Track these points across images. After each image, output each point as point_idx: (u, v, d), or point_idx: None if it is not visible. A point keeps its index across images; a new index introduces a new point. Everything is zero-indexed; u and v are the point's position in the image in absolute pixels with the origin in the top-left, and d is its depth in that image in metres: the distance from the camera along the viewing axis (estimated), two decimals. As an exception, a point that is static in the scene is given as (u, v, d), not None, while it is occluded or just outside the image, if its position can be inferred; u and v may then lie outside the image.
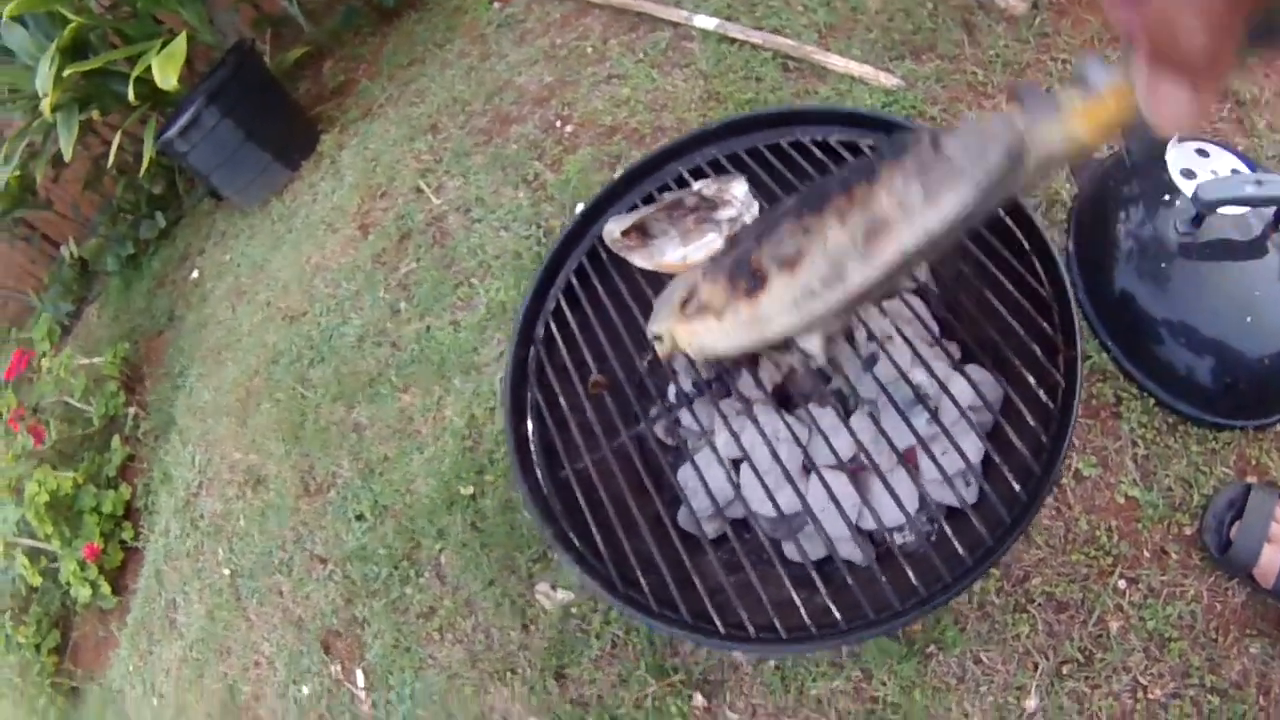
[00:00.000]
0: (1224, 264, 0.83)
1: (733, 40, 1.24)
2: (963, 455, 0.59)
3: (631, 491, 0.64)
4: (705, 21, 1.26)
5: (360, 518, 1.13)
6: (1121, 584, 0.79)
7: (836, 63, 1.13)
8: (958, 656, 0.79)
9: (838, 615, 0.56)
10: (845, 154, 0.70)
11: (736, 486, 0.63)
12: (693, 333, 0.50)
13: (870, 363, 0.64)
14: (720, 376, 0.65)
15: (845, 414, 0.65)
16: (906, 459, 0.61)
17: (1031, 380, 0.58)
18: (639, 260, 0.69)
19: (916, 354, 0.61)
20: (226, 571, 1.27)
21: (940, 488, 0.64)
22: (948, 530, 0.58)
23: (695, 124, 1.17)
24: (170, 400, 1.57)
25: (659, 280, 0.66)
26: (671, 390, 0.70)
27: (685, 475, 0.69)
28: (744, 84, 1.19)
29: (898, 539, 0.67)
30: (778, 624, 0.57)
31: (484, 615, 0.98)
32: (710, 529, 0.69)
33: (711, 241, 0.67)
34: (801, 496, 0.60)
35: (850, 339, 0.67)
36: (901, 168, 0.41)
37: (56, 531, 1.46)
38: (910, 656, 0.80)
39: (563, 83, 1.34)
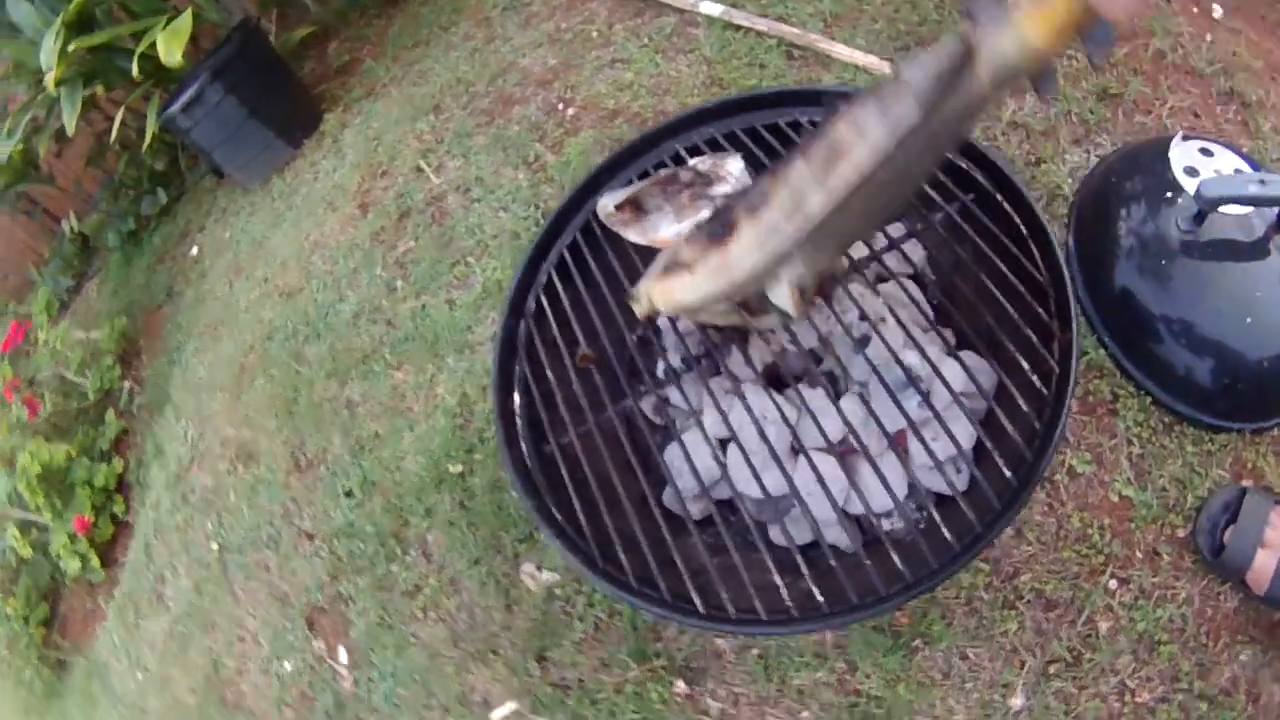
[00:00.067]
0: (1225, 264, 0.83)
1: (738, 27, 1.23)
2: (954, 441, 0.58)
3: (617, 470, 0.64)
4: (711, 8, 1.26)
5: (349, 494, 1.12)
6: (1112, 584, 0.78)
7: (841, 51, 1.12)
8: (944, 651, 0.78)
9: (820, 599, 0.55)
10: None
11: (723, 466, 0.62)
12: (667, 289, 0.50)
13: (862, 344, 0.63)
14: (709, 353, 0.64)
15: (835, 395, 0.65)
16: (897, 443, 0.60)
17: (1026, 366, 0.57)
18: (632, 235, 0.68)
19: (910, 336, 0.60)
20: (215, 546, 1.27)
21: (930, 474, 0.64)
22: (937, 517, 0.57)
23: (698, 110, 1.16)
24: (166, 375, 1.57)
25: (652, 256, 0.65)
26: (660, 367, 0.70)
27: (672, 454, 0.68)
28: (748, 71, 1.18)
29: (885, 525, 0.67)
30: (759, 606, 0.56)
31: (468, 594, 0.97)
32: (695, 510, 0.68)
33: (705, 218, 0.67)
34: (789, 478, 0.59)
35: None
36: (862, 99, 0.40)
37: (48, 504, 1.46)
38: (896, 650, 0.79)
39: (566, 66, 1.34)
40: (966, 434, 0.62)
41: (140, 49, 1.43)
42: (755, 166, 0.70)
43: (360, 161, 1.48)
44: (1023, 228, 0.62)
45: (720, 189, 0.67)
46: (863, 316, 0.63)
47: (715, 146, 0.73)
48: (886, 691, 0.78)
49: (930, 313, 0.68)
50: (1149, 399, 0.84)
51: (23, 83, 1.66)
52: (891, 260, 0.70)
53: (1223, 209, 0.79)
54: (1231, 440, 0.81)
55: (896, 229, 0.69)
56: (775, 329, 0.62)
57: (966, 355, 0.62)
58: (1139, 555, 0.79)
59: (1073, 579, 0.78)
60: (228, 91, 1.54)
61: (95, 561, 1.44)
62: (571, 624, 0.90)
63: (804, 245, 0.42)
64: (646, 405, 0.70)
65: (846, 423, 0.60)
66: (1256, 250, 0.82)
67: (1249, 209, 0.80)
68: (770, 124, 0.72)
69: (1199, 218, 0.80)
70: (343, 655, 1.05)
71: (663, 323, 0.71)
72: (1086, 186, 0.95)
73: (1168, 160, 0.86)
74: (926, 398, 0.59)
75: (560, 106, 1.30)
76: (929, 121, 0.36)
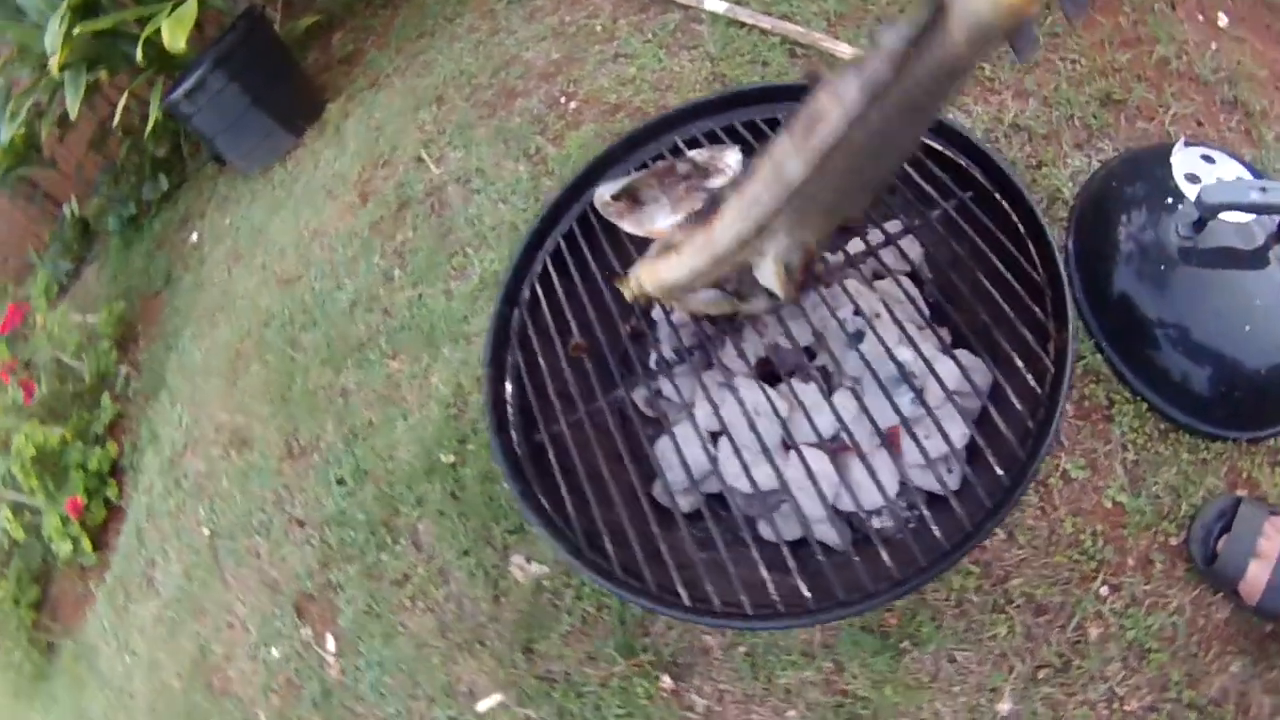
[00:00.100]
0: (1225, 272, 0.82)
1: (741, 24, 1.23)
2: (947, 439, 0.58)
3: (607, 461, 0.63)
4: (715, 4, 1.26)
5: (341, 482, 1.12)
6: (1104, 590, 0.77)
7: (844, 50, 1.12)
8: (932, 654, 0.78)
9: (807, 595, 0.55)
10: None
11: (713, 460, 0.62)
12: (654, 269, 0.49)
13: (856, 339, 0.63)
14: (702, 345, 0.64)
15: (828, 391, 0.64)
16: (889, 439, 0.60)
17: (1021, 365, 0.57)
18: (628, 226, 0.67)
19: (904, 333, 0.60)
20: (206, 531, 1.26)
21: (922, 472, 0.63)
22: (928, 516, 0.57)
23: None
24: (162, 360, 1.57)
25: (647, 247, 0.64)
26: (653, 358, 0.69)
27: (662, 447, 0.68)
28: (750, 68, 1.18)
29: (876, 523, 0.66)
30: (745, 600, 0.56)
31: (457, 585, 0.97)
32: (685, 504, 0.68)
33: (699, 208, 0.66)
34: (779, 473, 0.59)
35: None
36: (843, 69, 0.40)
37: (41, 486, 1.46)
38: (884, 651, 0.78)
39: (570, 60, 1.34)
40: (960, 432, 0.61)
41: (145, 35, 1.43)
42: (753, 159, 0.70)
43: (361, 151, 1.48)
44: (1020, 226, 0.62)
45: (717, 181, 0.67)
46: (857, 312, 0.63)
47: (714, 140, 0.73)
48: (873, 693, 0.77)
49: (926, 310, 0.67)
50: (1145, 405, 0.83)
51: (26, 66, 1.66)
52: (889, 257, 0.70)
53: (1223, 216, 0.78)
54: (1227, 449, 0.81)
55: (893, 225, 0.69)
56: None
57: (961, 353, 0.62)
58: (1131, 562, 0.78)
59: (1064, 584, 0.78)
60: (231, 79, 1.54)
61: (87, 545, 1.44)
62: (559, 617, 0.89)
63: (786, 215, 0.41)
64: (638, 397, 0.70)
65: (839, 418, 0.60)
66: (1256, 259, 0.81)
67: (1249, 217, 0.80)
68: (769, 118, 0.72)
69: (1199, 224, 0.80)
70: (330, 643, 1.04)
71: (656, 314, 0.71)
72: (1087, 190, 0.94)
73: (1169, 166, 0.86)
74: (920, 395, 0.59)
75: (562, 100, 1.29)
76: (903, 82, 0.36)
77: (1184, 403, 0.82)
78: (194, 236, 1.72)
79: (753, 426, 0.59)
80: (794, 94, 0.74)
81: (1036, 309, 0.59)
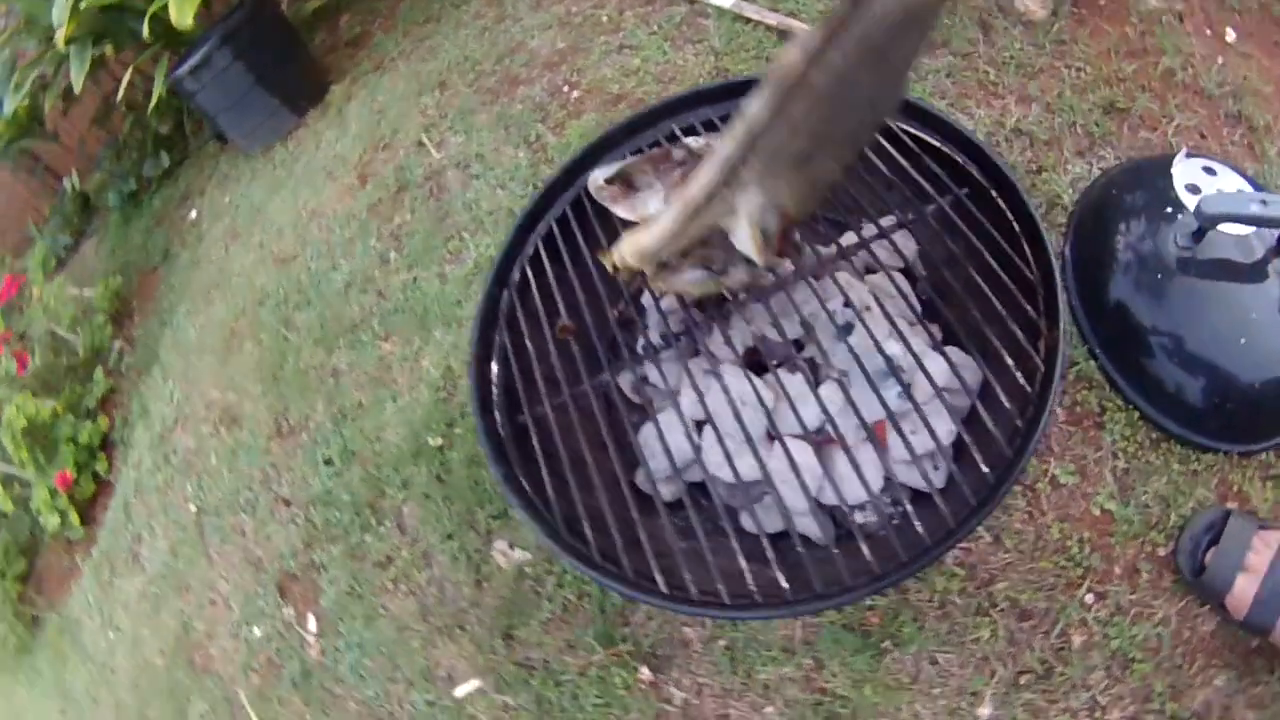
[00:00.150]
0: (1222, 284, 0.81)
1: (747, 20, 1.22)
2: (933, 435, 0.57)
3: (590, 446, 0.63)
4: (723, -1, 1.25)
5: (329, 462, 1.12)
6: (1089, 598, 0.77)
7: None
8: (913, 655, 0.77)
9: (785, 586, 0.54)
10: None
11: (697, 449, 0.61)
12: (635, 238, 0.49)
13: (845, 331, 0.62)
14: (689, 331, 0.63)
15: (815, 382, 0.64)
16: (875, 434, 0.59)
17: (1011, 362, 0.56)
18: (621, 211, 0.67)
19: (894, 327, 0.59)
20: (193, 508, 1.26)
21: (908, 469, 0.63)
22: (911, 513, 0.56)
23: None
24: (156, 336, 1.56)
25: (639, 232, 0.64)
26: (640, 344, 0.69)
27: (646, 435, 0.67)
28: (754, 63, 1.17)
29: (859, 518, 0.66)
30: (722, 590, 0.55)
31: (439, 569, 0.97)
32: (667, 492, 0.67)
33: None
34: (762, 464, 0.58)
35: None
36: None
37: (31, 459, 1.46)
38: (865, 650, 0.78)
39: (574, 49, 1.33)
40: (946, 429, 0.61)
41: (152, 10, 1.43)
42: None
43: (363, 133, 1.48)
44: (1015, 224, 0.61)
45: (712, 168, 0.66)
46: (847, 303, 0.62)
47: (711, 128, 0.73)
48: (853, 692, 0.77)
49: (918, 307, 0.67)
50: (1137, 414, 0.83)
51: (33, 38, 1.65)
52: (883, 253, 0.69)
53: (1222, 229, 0.78)
54: (1218, 461, 0.80)
55: (888, 220, 0.68)
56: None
57: (952, 350, 0.61)
58: (1118, 571, 0.77)
59: (1049, 590, 0.77)
60: (236, 57, 1.54)
61: (75, 518, 1.43)
62: (540, 604, 0.89)
63: (754, 165, 0.41)
64: (624, 382, 0.70)
65: (824, 410, 0.59)
66: (1254, 273, 0.81)
67: (1249, 230, 0.79)
68: (769, 109, 0.71)
69: (1198, 234, 0.79)
70: (311, 623, 1.04)
71: (645, 301, 0.70)
72: (1087, 197, 0.94)
73: (1170, 176, 0.85)
74: (907, 389, 0.58)
75: (565, 89, 1.29)
76: (860, 20, 0.36)
77: (1177, 413, 0.81)
78: (193, 214, 1.72)
79: (737, 415, 0.59)
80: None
81: (1028, 306, 0.58)
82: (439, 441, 1.04)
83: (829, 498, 0.63)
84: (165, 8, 1.38)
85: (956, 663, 0.76)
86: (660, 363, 0.64)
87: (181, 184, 1.83)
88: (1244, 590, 0.70)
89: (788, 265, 0.62)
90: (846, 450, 0.58)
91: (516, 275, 0.71)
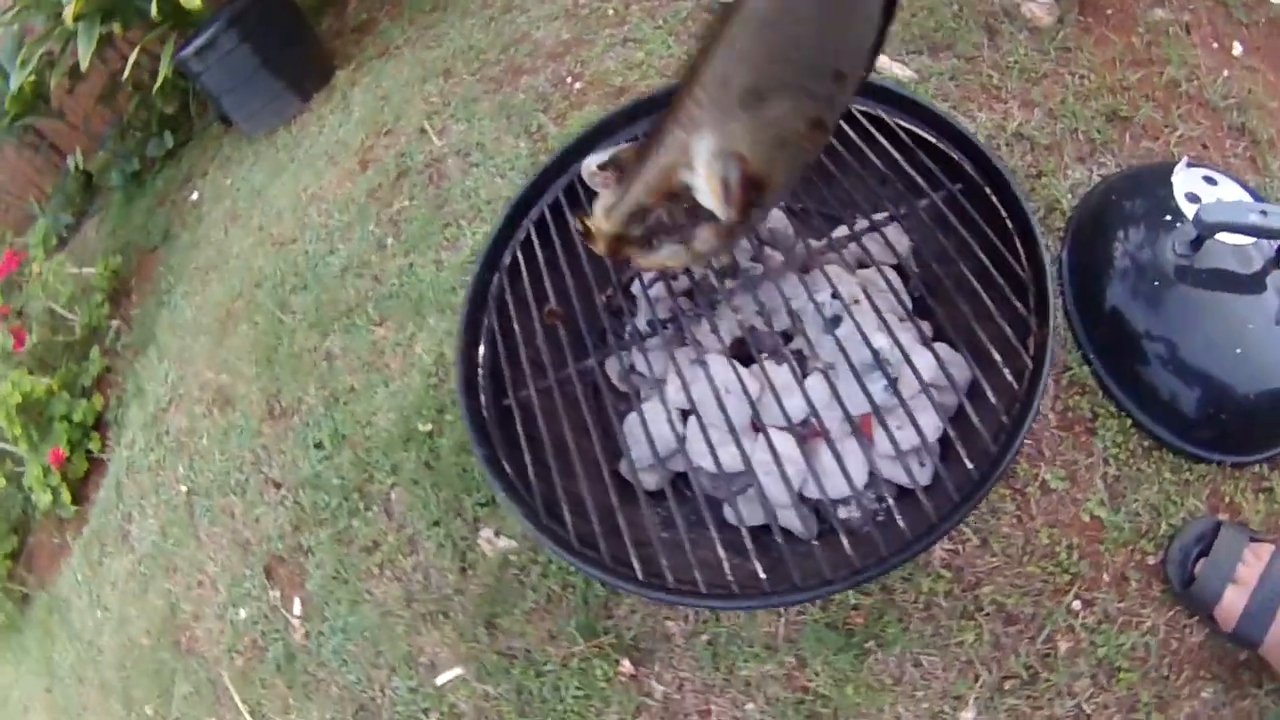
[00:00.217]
0: (1219, 294, 0.81)
1: (755, 16, 1.22)
2: (919, 431, 0.57)
3: (573, 432, 0.62)
4: (730, -5, 1.25)
5: (319, 446, 1.12)
6: (1076, 605, 0.76)
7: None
8: (897, 656, 0.76)
9: (763, 578, 0.54)
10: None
11: (680, 439, 0.61)
12: (604, 200, 0.49)
13: (833, 323, 0.62)
14: (676, 318, 0.63)
15: (801, 374, 0.63)
16: (860, 428, 0.59)
17: (999, 359, 0.56)
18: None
19: (882, 321, 0.59)
20: (184, 489, 1.26)
21: (892, 465, 0.62)
22: (895, 510, 0.56)
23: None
24: (153, 316, 1.56)
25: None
26: (627, 330, 0.68)
27: (630, 423, 0.67)
28: (759, 59, 1.17)
29: (842, 513, 0.65)
30: (699, 579, 0.55)
31: (425, 555, 0.96)
32: (650, 481, 0.67)
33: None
34: (745, 455, 0.58)
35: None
36: None
37: (25, 435, 1.46)
38: (848, 649, 0.77)
39: (579, 41, 1.33)
40: (933, 425, 0.60)
41: (160, -11, 1.43)
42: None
43: (366, 119, 1.48)
44: (1008, 221, 0.61)
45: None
46: (835, 295, 0.62)
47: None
48: (835, 691, 0.76)
49: (909, 303, 0.66)
50: (1130, 421, 0.82)
51: (41, 14, 1.65)
52: (875, 248, 0.69)
53: (1221, 238, 0.77)
54: (1211, 471, 0.79)
55: (879, 214, 0.68)
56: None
57: (940, 347, 0.61)
58: (1106, 578, 0.77)
59: (1036, 595, 0.76)
60: (242, 39, 1.54)
61: (66, 497, 1.43)
62: (524, 593, 0.88)
63: (704, 100, 0.40)
64: (610, 368, 0.69)
65: (809, 402, 0.59)
66: (1252, 284, 0.80)
67: (1248, 241, 0.78)
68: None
69: (1196, 243, 0.79)
70: (297, 606, 1.04)
71: (635, 289, 0.70)
72: (1086, 203, 0.93)
73: (1170, 184, 0.85)
74: (894, 384, 0.58)
75: (568, 80, 1.29)
76: None
77: (1170, 422, 0.81)
78: (194, 195, 1.72)
79: (721, 405, 0.58)
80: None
81: (1019, 304, 0.58)
82: (429, 428, 1.04)
83: (812, 491, 0.63)
84: (174, -12, 1.38)
85: (940, 665, 0.75)
86: (646, 350, 0.63)
87: (184, 165, 1.83)
88: (1233, 602, 0.70)
89: (769, 255, 0.61)
90: (830, 443, 0.57)
91: (508, 259, 0.71)
